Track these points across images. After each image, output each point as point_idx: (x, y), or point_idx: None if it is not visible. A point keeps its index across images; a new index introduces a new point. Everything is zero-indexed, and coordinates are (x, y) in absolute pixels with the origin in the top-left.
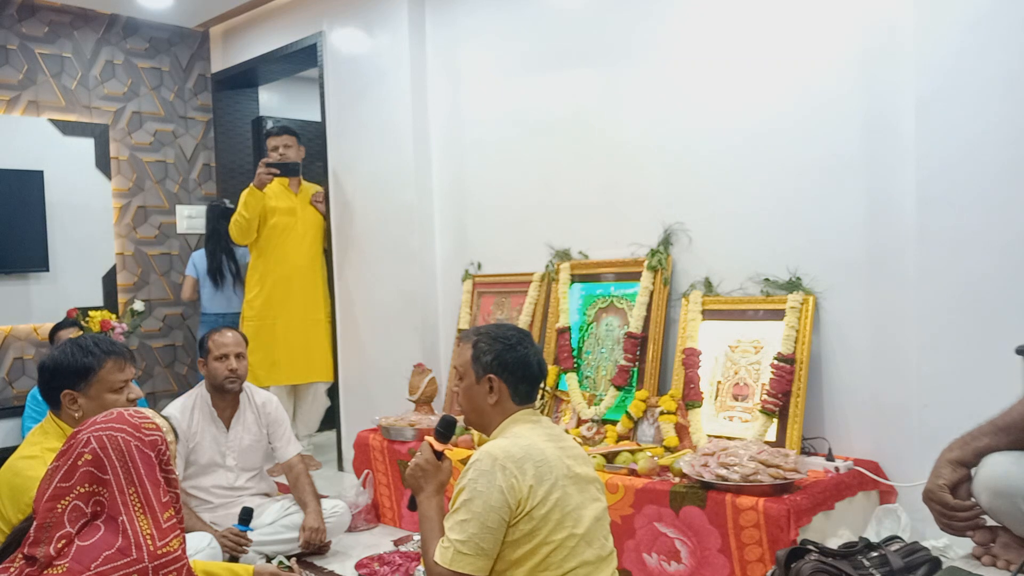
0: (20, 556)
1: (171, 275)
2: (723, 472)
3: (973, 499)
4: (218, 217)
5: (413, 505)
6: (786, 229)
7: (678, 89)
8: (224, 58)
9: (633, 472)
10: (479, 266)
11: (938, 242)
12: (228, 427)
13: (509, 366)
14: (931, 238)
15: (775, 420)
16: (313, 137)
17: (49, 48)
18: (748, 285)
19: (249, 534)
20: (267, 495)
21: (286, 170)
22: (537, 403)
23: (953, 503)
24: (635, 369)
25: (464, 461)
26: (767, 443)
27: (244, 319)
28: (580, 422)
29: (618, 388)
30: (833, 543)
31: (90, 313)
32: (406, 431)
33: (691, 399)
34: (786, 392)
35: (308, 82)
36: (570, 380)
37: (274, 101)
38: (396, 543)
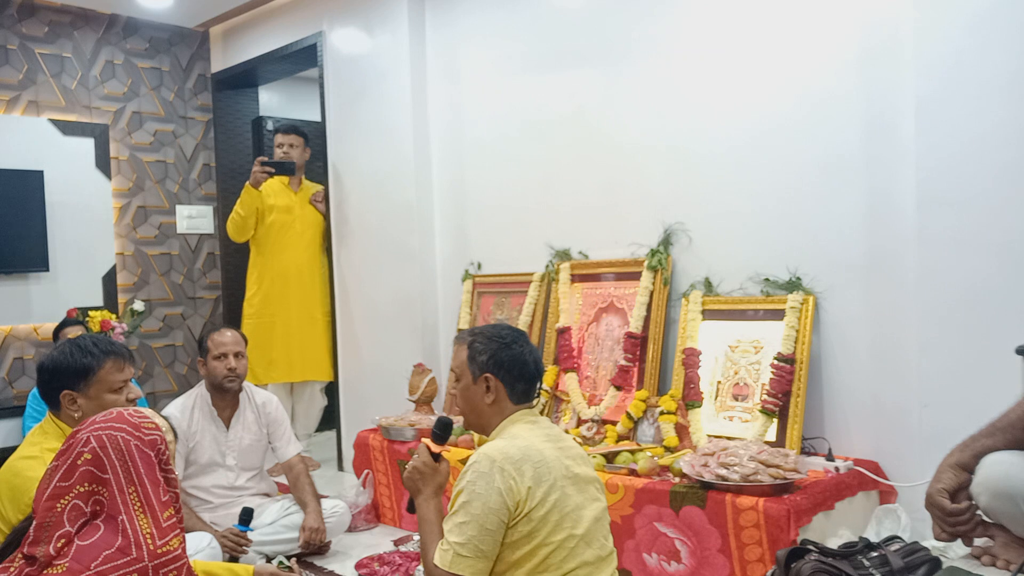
0: (20, 556)
1: (171, 275)
2: (723, 472)
3: (969, 503)
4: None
5: (412, 508)
6: (786, 229)
7: (678, 89)
8: (224, 58)
9: (633, 472)
10: (479, 266)
11: (938, 242)
12: (228, 427)
13: (505, 365)
14: (931, 238)
15: (775, 420)
16: (313, 137)
17: (49, 48)
18: (748, 285)
19: (249, 534)
20: (267, 495)
21: (281, 168)
22: (536, 403)
23: (950, 508)
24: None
25: (464, 461)
26: (767, 443)
27: (242, 317)
28: (580, 422)
29: (618, 388)
30: (833, 543)
31: (90, 313)
32: (406, 431)
33: (691, 399)
34: (786, 392)
35: (308, 82)
36: (570, 380)
37: (274, 101)
38: (396, 543)
